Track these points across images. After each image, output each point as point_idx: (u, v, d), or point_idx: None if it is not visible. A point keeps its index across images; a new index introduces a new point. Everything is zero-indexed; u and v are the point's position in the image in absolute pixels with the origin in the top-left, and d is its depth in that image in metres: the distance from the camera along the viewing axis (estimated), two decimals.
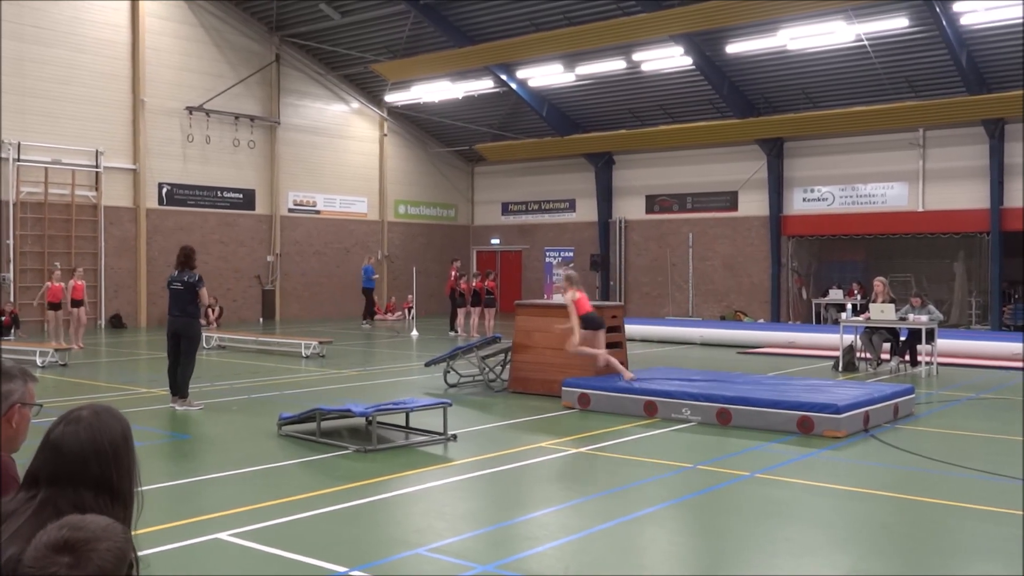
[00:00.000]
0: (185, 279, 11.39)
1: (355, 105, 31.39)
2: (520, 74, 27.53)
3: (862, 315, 16.44)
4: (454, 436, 9.33)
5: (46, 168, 23.74)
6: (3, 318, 21.20)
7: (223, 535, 5.98)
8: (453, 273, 24.48)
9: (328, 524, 6.36)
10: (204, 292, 11.52)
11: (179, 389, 11.26)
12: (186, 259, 11.58)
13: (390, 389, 13.17)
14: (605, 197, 31.42)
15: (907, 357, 15.77)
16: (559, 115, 29.87)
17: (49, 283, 19.24)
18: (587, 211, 32.09)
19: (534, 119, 30.23)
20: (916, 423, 10.62)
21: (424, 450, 9.02)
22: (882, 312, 15.38)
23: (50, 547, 1.91)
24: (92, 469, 2.35)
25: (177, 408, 11.09)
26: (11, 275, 23.17)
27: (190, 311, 11.42)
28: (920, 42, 22.35)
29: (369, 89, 31.15)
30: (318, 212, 30.32)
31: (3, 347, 17.55)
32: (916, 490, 7.40)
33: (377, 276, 28.26)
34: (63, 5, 24.02)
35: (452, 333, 23.47)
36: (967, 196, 24.67)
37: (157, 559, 5.34)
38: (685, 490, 7.39)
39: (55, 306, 19.04)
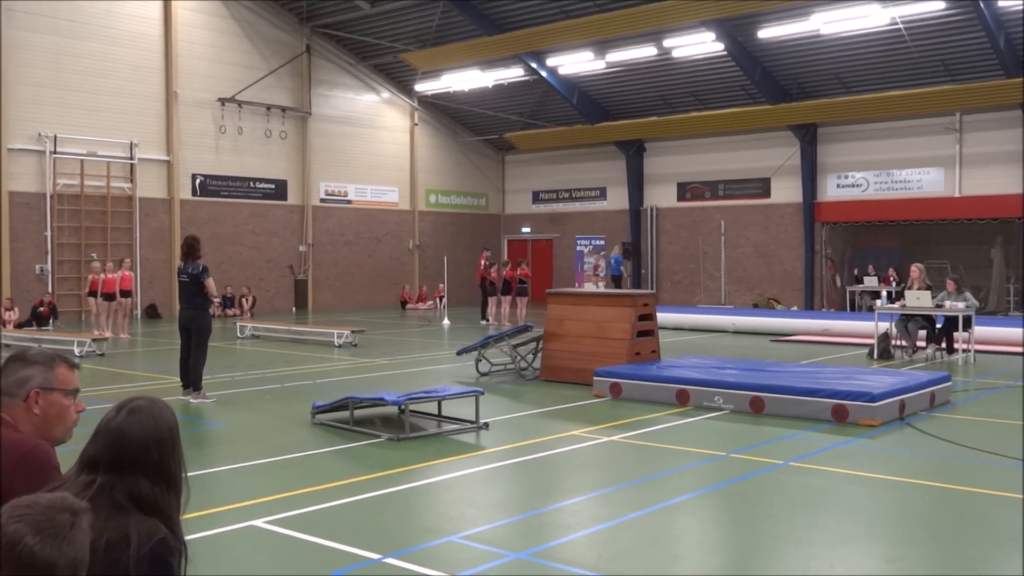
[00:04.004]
0: (190, 270, 11.22)
1: (385, 95, 31.46)
2: (550, 62, 27.44)
3: (897, 302, 16.26)
4: (486, 424, 9.35)
5: (82, 160, 24.03)
6: (42, 309, 21.53)
7: (258, 522, 6.04)
8: (483, 262, 24.49)
9: (362, 512, 6.41)
10: (210, 282, 11.24)
11: (191, 381, 11.17)
12: (189, 249, 11.36)
13: (422, 378, 13.22)
14: (636, 185, 31.28)
15: (943, 344, 15.57)
16: (589, 103, 29.76)
17: (103, 275, 19.50)
18: (618, 199, 31.97)
19: (564, 107, 30.14)
20: (953, 411, 10.49)
21: (456, 438, 9.05)
22: (918, 299, 15.20)
23: None
24: (152, 457, 2.45)
25: (191, 401, 10.98)
26: (49, 266, 23.53)
27: (197, 303, 11.24)
28: (956, 25, 22.01)
29: (399, 79, 31.19)
30: (349, 202, 30.45)
31: (42, 337, 17.85)
32: (953, 479, 7.32)
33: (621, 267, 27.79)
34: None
35: (483, 322, 23.50)
36: (1005, 181, 24.29)
37: (194, 545, 5.40)
38: (718, 479, 7.36)
39: (108, 297, 19.42)
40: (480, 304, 24.75)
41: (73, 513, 1.91)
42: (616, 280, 27.18)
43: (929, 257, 24.40)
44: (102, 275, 19.39)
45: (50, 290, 23.08)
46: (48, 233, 23.53)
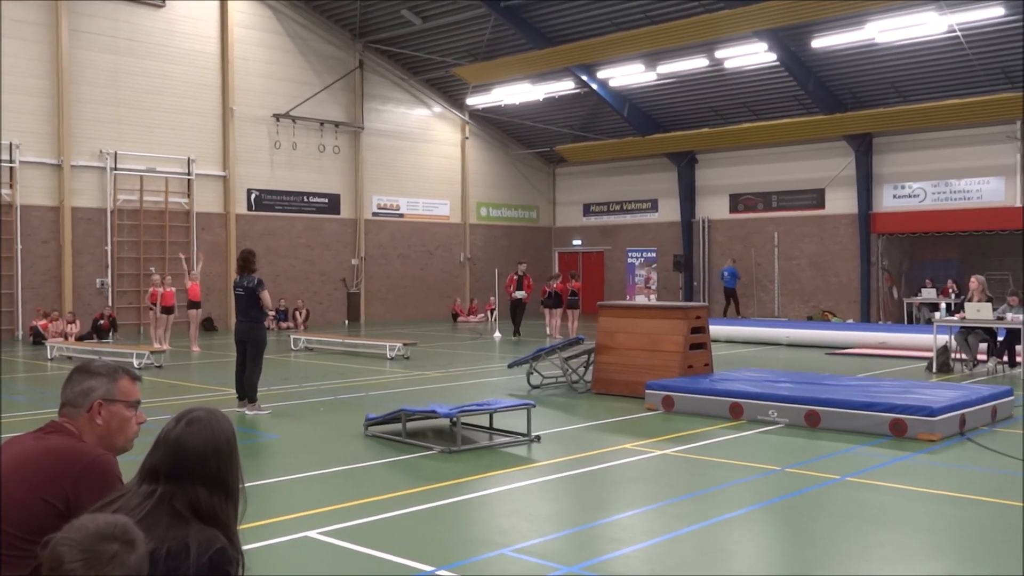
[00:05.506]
0: (245, 284, 11.36)
1: (437, 109, 31.69)
2: (601, 74, 27.43)
3: (957, 315, 15.94)
4: (538, 437, 9.34)
5: (141, 176, 24.57)
6: (102, 322, 21.99)
7: (312, 533, 6.10)
8: (514, 276, 24.22)
9: (414, 524, 6.43)
10: (265, 295, 11.38)
11: (247, 393, 11.33)
12: (244, 263, 11.51)
13: (474, 390, 13.25)
14: (688, 197, 31.09)
15: (1005, 358, 15.23)
16: (640, 115, 29.67)
17: (162, 288, 19.79)
18: (670, 211, 31.80)
19: (615, 119, 30.09)
20: (1015, 426, 10.24)
21: (508, 451, 9.05)
22: (978, 311, 14.88)
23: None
24: (210, 467, 2.49)
25: (247, 413, 11.13)
26: (109, 280, 24.05)
27: (253, 315, 11.39)
28: (1016, 31, 21.56)
29: (451, 93, 31.41)
30: (401, 215, 30.70)
31: (103, 349, 18.24)
32: (1015, 495, 7.14)
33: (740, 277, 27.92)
34: (156, 18, 24.84)
35: (514, 338, 23.02)
36: None
37: (249, 555, 5.46)
38: (773, 493, 7.26)
39: (167, 310, 19.71)
40: (511, 319, 24.24)
41: (125, 543, 1.98)
42: (729, 293, 26.94)
43: (989, 268, 23.84)
44: (161, 289, 19.73)
45: (110, 303, 23.59)
46: (108, 247, 24.07)
